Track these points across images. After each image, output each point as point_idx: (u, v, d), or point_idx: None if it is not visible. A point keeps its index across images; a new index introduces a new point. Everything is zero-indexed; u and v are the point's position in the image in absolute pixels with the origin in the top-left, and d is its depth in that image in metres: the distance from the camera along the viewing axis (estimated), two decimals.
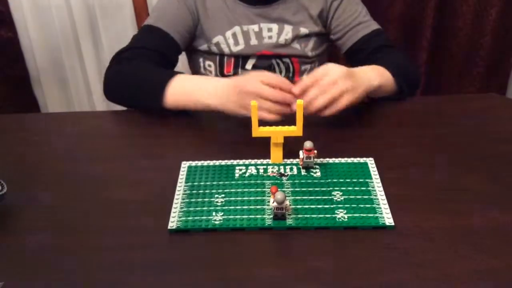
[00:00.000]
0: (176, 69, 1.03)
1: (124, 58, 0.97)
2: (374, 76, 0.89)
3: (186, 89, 0.88)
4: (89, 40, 1.79)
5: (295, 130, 0.74)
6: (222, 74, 1.11)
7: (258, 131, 0.74)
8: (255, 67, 1.10)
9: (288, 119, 0.77)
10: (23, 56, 1.78)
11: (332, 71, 0.81)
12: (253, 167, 0.77)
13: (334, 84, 0.80)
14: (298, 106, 0.71)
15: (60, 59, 1.82)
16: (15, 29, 1.73)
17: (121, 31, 1.77)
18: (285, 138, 0.75)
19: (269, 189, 0.72)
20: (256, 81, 0.79)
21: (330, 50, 1.18)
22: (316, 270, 0.59)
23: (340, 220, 0.66)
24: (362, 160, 0.77)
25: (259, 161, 0.78)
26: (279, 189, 0.67)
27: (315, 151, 0.74)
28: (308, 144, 0.73)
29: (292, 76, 1.12)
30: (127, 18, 1.75)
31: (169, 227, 0.66)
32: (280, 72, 1.11)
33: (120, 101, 0.97)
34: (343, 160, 0.77)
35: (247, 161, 0.78)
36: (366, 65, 1.00)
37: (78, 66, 1.84)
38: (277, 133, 0.75)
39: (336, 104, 0.80)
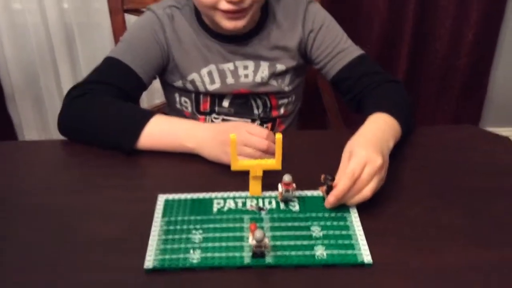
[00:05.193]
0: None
1: (85, 92, 0.90)
2: (389, 136, 0.82)
3: (165, 131, 0.86)
4: (66, 59, 1.77)
5: (274, 163, 0.73)
6: (198, 111, 1.08)
7: (237, 165, 0.74)
8: (232, 104, 1.07)
9: None
10: None
11: (357, 153, 0.73)
12: (231, 201, 0.76)
13: (363, 168, 0.72)
14: (278, 140, 0.71)
15: (36, 78, 1.80)
16: None
17: (98, 51, 1.75)
18: (264, 170, 0.75)
19: (248, 225, 0.71)
20: (243, 131, 0.80)
21: (305, 80, 1.17)
22: None
23: (319, 258, 0.66)
24: None
25: (237, 194, 0.77)
26: (258, 225, 0.66)
27: (294, 185, 0.74)
28: (286, 178, 0.73)
29: (269, 111, 1.10)
30: (105, 37, 1.73)
31: (145, 267, 0.65)
32: (258, 108, 1.09)
33: (79, 138, 0.90)
34: (321, 191, 0.77)
35: (225, 194, 0.77)
36: (353, 92, 1.00)
37: (54, 86, 1.81)
38: (256, 167, 0.74)
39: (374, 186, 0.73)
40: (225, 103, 1.08)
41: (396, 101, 0.93)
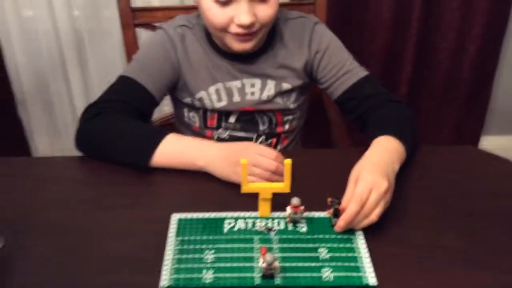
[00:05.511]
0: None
1: (102, 111, 0.95)
2: (395, 159, 0.86)
3: (177, 150, 0.89)
4: (76, 65, 1.80)
5: (283, 187, 0.77)
6: (206, 126, 1.12)
7: (247, 187, 0.77)
8: (238, 120, 1.11)
9: None
10: (9, 79, 1.79)
11: (363, 177, 0.77)
12: (241, 221, 0.79)
13: (370, 193, 0.75)
14: (287, 165, 0.74)
15: (46, 83, 1.83)
16: (1, 52, 1.74)
17: (108, 57, 1.79)
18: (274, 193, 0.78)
19: (258, 245, 0.74)
20: (253, 152, 0.84)
21: (310, 93, 1.20)
22: None
23: (326, 279, 0.69)
24: None
25: (247, 214, 0.80)
26: (267, 248, 0.70)
27: (302, 207, 0.77)
28: (295, 201, 0.76)
29: (274, 127, 1.14)
30: (114, 44, 1.76)
31: (160, 286, 0.68)
32: (263, 124, 1.13)
33: (96, 155, 0.93)
34: (328, 214, 0.80)
35: (235, 214, 0.80)
36: (358, 112, 1.03)
37: (64, 91, 1.85)
38: (266, 190, 0.77)
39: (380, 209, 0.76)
40: (232, 119, 1.11)
41: (400, 123, 0.96)
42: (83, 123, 0.95)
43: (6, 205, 0.84)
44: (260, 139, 1.14)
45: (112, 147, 0.91)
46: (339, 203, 0.76)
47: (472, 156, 0.98)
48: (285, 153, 0.87)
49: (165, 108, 1.59)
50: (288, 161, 0.74)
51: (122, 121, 0.94)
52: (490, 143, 2.02)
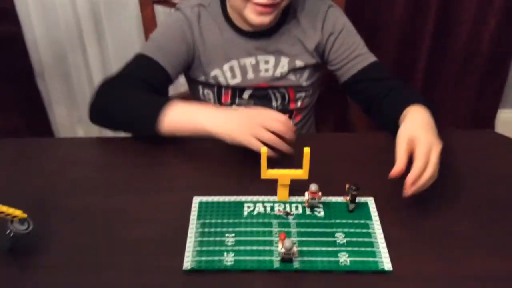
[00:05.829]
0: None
1: (116, 85, 0.98)
2: (434, 124, 0.87)
3: (185, 115, 0.90)
4: (93, 37, 1.80)
5: (302, 173, 0.79)
6: (220, 102, 1.14)
7: (266, 174, 0.79)
8: (252, 96, 1.13)
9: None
10: (27, 51, 1.80)
11: (421, 136, 0.79)
12: (260, 205, 0.82)
13: (431, 147, 0.78)
14: (305, 154, 0.76)
15: (64, 54, 1.84)
16: (19, 24, 1.75)
17: (125, 29, 1.79)
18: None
19: (276, 228, 0.77)
20: (262, 115, 0.86)
21: (323, 77, 1.21)
22: None
23: (343, 264, 0.72)
24: (362, 199, 0.82)
25: (266, 198, 0.83)
26: (286, 233, 0.72)
27: (320, 193, 0.79)
28: (313, 187, 0.78)
29: (287, 103, 1.16)
30: (132, 15, 1.76)
31: (184, 268, 0.71)
32: (276, 100, 1.15)
33: (108, 127, 0.98)
34: (345, 199, 0.82)
35: (254, 198, 0.83)
36: (367, 94, 1.05)
37: (81, 62, 1.86)
38: (285, 176, 0.79)
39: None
40: (245, 95, 1.14)
41: (422, 99, 0.95)
42: (96, 97, 0.98)
43: (31, 188, 0.87)
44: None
45: (121, 116, 0.94)
46: (357, 189, 0.78)
47: (492, 140, 0.98)
48: (302, 138, 0.88)
49: (181, 80, 1.60)
50: (307, 149, 0.76)
51: (132, 93, 0.96)
52: (506, 116, 2.02)
